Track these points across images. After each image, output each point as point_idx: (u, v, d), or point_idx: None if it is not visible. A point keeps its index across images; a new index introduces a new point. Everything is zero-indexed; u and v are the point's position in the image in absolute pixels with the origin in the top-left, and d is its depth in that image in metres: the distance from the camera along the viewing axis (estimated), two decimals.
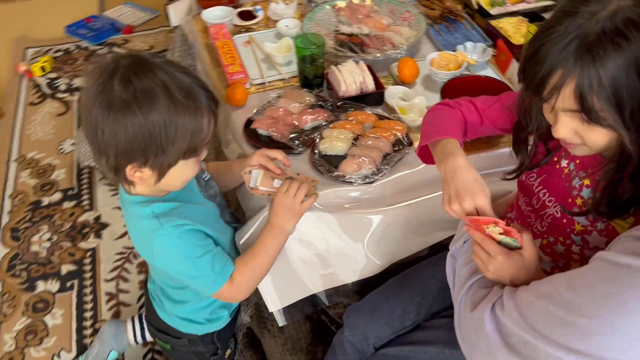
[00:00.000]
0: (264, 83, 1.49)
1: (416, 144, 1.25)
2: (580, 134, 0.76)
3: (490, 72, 1.46)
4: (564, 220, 0.91)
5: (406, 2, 1.74)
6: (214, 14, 1.72)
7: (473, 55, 1.50)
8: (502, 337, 0.75)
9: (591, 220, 0.87)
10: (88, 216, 2.00)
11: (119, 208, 2.00)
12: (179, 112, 0.87)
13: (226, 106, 1.44)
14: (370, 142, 1.23)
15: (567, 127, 0.76)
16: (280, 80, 1.50)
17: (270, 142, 1.28)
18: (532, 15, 1.62)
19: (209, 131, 0.94)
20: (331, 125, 1.29)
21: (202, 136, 0.92)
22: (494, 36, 1.56)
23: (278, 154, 1.15)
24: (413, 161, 1.23)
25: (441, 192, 1.17)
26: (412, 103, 1.33)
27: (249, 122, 1.34)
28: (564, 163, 0.93)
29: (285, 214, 1.08)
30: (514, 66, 1.42)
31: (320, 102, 1.37)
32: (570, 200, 0.90)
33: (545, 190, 0.96)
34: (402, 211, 1.19)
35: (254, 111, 1.36)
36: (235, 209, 1.40)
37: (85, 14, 3.20)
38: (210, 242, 1.04)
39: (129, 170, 0.91)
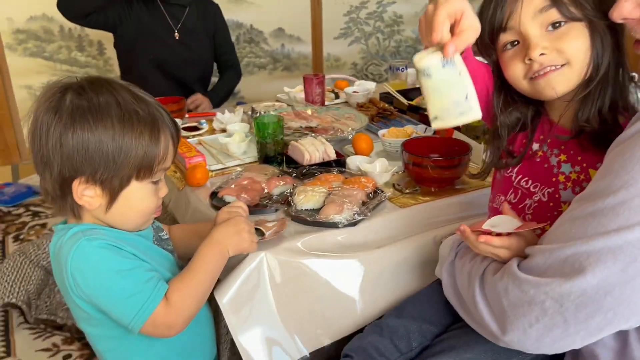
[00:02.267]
0: (223, 169, 1.47)
1: (388, 193, 1.27)
2: (555, 47, 0.82)
3: None
4: (551, 204, 0.93)
5: (343, 108, 1.89)
6: None
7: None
8: (540, 275, 0.71)
9: (578, 192, 0.85)
10: None
11: (45, 350, 1.70)
12: (132, 127, 0.83)
13: (185, 190, 1.39)
14: (345, 192, 1.22)
15: (540, 41, 0.82)
16: (239, 165, 1.49)
17: None
18: None
19: (167, 152, 0.89)
20: (302, 185, 1.27)
21: (158, 153, 0.86)
22: (429, 123, 1.71)
23: (239, 205, 1.08)
24: (391, 207, 1.23)
25: (426, 232, 1.19)
26: (374, 164, 1.37)
27: (214, 194, 1.29)
28: (535, 147, 0.95)
29: (233, 238, 0.96)
30: (456, 134, 1.54)
31: (286, 172, 1.37)
32: (554, 179, 0.92)
33: (527, 178, 0.96)
34: (391, 252, 1.15)
35: (218, 185, 1.32)
36: None
37: None
38: (141, 262, 0.88)
39: (76, 186, 0.82)
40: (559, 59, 0.83)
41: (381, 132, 1.55)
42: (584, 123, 0.86)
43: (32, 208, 2.74)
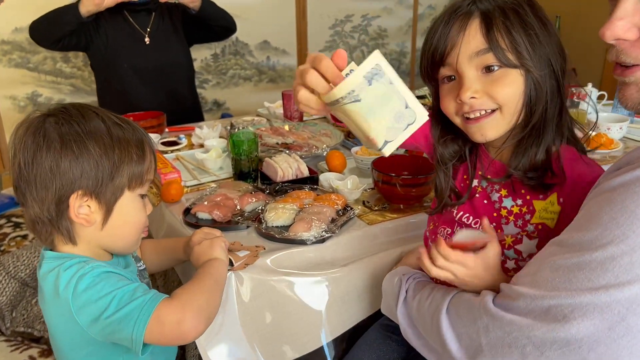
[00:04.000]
0: (199, 184, 1.50)
1: (357, 210, 1.30)
2: (486, 91, 0.81)
3: None
4: None
5: (320, 124, 1.93)
6: None
7: None
8: (523, 318, 0.68)
9: (520, 225, 0.89)
10: None
11: None
12: (120, 142, 0.88)
13: (160, 206, 1.41)
14: (315, 209, 1.25)
15: (472, 85, 0.82)
16: (214, 181, 1.52)
17: (212, 224, 1.25)
18: None
19: (151, 164, 0.95)
20: (274, 202, 1.30)
21: (145, 163, 0.92)
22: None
23: (216, 232, 1.12)
24: (360, 225, 1.26)
25: (393, 249, 1.23)
26: (346, 182, 1.41)
27: (187, 210, 1.32)
28: (474, 183, 0.95)
29: (212, 247, 1.03)
30: None
31: (259, 188, 1.40)
32: (495, 214, 0.92)
33: (467, 214, 0.95)
34: (358, 269, 1.18)
35: (192, 201, 1.35)
36: None
37: None
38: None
39: (73, 201, 0.85)
40: (490, 103, 0.83)
41: (354, 149, 1.59)
42: (512, 170, 0.87)
43: (14, 219, 2.75)
